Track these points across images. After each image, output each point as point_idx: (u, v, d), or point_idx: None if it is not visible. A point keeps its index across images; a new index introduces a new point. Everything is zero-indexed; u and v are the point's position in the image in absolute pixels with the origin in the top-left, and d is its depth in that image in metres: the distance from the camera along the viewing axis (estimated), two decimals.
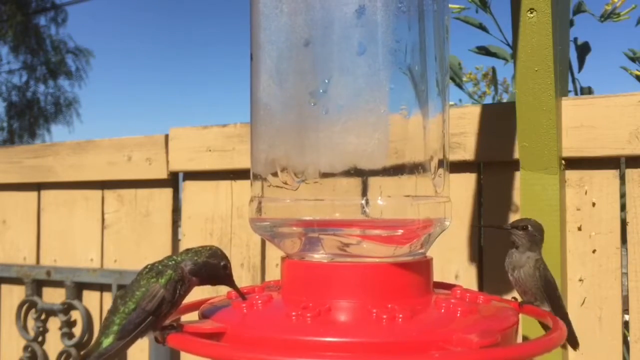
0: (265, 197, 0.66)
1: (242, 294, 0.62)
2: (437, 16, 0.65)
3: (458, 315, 0.57)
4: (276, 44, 0.65)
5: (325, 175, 0.61)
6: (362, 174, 0.61)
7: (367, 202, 0.60)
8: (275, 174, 0.64)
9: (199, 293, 1.31)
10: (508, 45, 1.32)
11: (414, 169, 0.62)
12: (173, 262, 0.59)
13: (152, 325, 0.56)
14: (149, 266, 0.59)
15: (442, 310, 0.58)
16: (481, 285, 1.02)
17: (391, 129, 0.62)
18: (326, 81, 0.61)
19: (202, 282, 0.60)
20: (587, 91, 1.33)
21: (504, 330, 0.56)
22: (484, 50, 1.34)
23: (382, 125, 0.62)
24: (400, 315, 0.54)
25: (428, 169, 0.63)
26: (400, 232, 0.63)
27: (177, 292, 0.58)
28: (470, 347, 0.49)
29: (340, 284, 0.60)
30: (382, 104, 0.61)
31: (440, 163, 0.65)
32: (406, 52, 0.62)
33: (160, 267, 0.59)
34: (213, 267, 0.60)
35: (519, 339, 0.68)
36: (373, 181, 0.61)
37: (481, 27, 1.32)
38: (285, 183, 0.63)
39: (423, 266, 0.63)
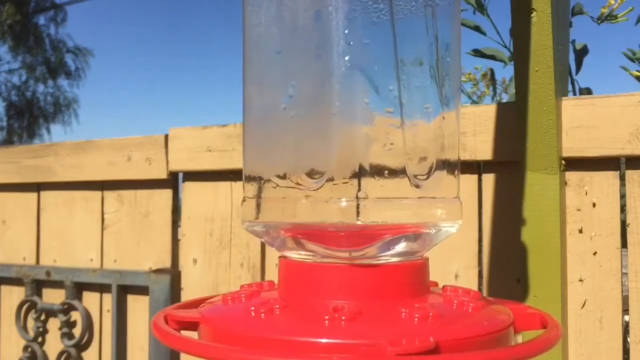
0: (257, 199, 0.66)
1: None
2: (431, 12, 0.64)
3: (415, 320, 0.54)
4: (260, 50, 0.65)
5: (318, 177, 0.61)
6: (356, 176, 0.60)
7: (360, 204, 0.60)
8: (267, 176, 0.64)
9: (198, 292, 1.31)
10: (506, 47, 1.33)
11: (410, 170, 0.62)
12: None
13: None
14: None
15: (403, 315, 0.55)
16: (481, 286, 1.02)
17: (387, 129, 0.62)
18: (303, 84, 0.61)
19: None
20: (586, 92, 1.33)
21: (473, 339, 0.53)
22: (479, 54, 1.35)
23: (375, 126, 0.61)
24: (343, 318, 0.52)
25: (428, 169, 0.63)
26: (396, 233, 0.62)
27: None
28: (383, 353, 0.47)
29: (328, 284, 0.58)
30: (377, 103, 0.61)
31: (443, 164, 0.65)
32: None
33: None
34: None
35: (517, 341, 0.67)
36: (367, 183, 0.60)
37: (477, 29, 1.32)
38: (277, 185, 0.63)
39: (416, 268, 0.62)
